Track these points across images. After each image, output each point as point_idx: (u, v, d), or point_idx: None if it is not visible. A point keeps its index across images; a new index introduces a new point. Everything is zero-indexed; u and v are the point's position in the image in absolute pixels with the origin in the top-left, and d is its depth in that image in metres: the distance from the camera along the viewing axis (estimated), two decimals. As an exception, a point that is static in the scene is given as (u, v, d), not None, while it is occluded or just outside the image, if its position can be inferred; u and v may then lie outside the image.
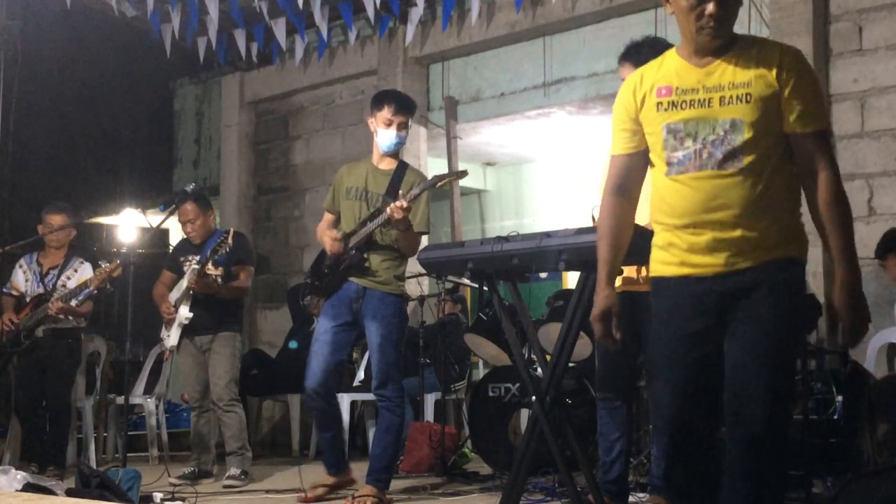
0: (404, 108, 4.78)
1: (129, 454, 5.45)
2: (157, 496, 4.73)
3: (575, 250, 3.50)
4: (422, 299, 6.59)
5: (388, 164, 4.86)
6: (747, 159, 2.53)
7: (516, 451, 3.95)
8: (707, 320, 2.59)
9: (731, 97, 2.54)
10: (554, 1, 6.94)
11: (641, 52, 4.04)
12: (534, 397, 3.77)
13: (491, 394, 5.78)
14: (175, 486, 5.23)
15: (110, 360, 7.28)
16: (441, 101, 7.87)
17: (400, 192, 4.69)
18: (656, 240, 2.71)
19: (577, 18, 6.98)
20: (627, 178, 2.75)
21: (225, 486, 5.45)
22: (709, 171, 2.55)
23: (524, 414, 5.57)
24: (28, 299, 6.03)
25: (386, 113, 4.74)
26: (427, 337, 6.42)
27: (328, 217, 5.00)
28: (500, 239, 3.74)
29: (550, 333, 5.18)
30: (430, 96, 8.02)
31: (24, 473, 4.36)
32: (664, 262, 2.67)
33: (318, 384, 4.74)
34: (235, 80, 8.97)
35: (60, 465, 5.88)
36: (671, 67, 2.65)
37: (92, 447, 6.68)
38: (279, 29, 8.03)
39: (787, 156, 2.59)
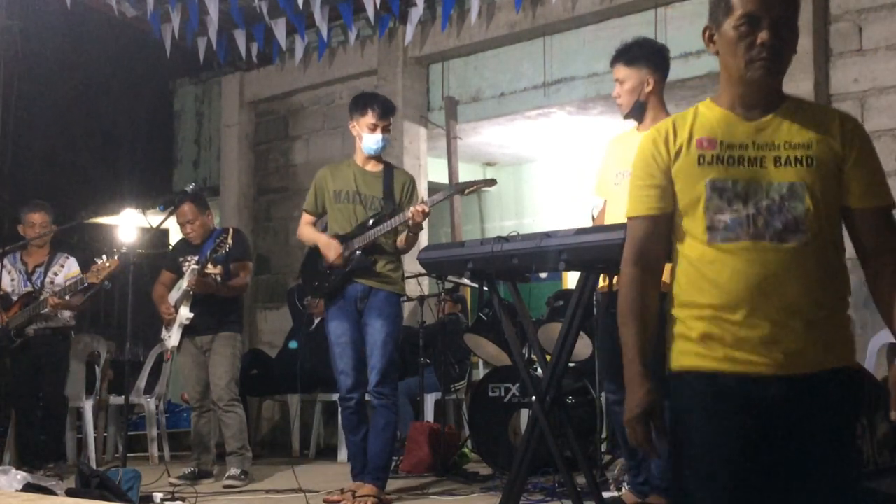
0: (388, 111, 4.87)
1: (129, 454, 5.46)
2: (157, 496, 4.73)
3: (575, 250, 3.50)
4: (422, 299, 6.59)
5: (375, 166, 4.92)
6: (812, 232, 2.12)
7: (516, 451, 3.95)
8: (760, 422, 2.12)
9: (788, 158, 2.15)
10: (554, 1, 6.94)
11: (632, 51, 4.06)
12: (534, 397, 3.77)
13: (491, 394, 5.78)
14: (175, 486, 5.24)
15: (110, 360, 7.28)
16: (441, 101, 7.87)
17: (398, 193, 4.72)
18: (681, 329, 2.20)
19: (577, 18, 6.98)
20: (651, 246, 2.26)
21: (225, 486, 5.45)
22: (767, 244, 2.11)
23: (524, 414, 5.57)
24: (15, 298, 6.03)
25: (370, 118, 4.82)
26: (427, 337, 6.42)
27: (309, 218, 5.03)
28: (500, 239, 3.75)
29: (550, 333, 5.19)
30: (430, 96, 8.02)
31: (24, 473, 4.37)
32: (700, 354, 2.16)
33: (353, 384, 4.81)
34: (235, 80, 8.97)
35: (60, 461, 5.89)
36: (710, 118, 2.24)
37: (92, 447, 6.68)
38: (279, 29, 8.03)
39: (840, 234, 2.21)
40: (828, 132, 2.18)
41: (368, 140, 4.84)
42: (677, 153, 2.22)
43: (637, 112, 4.06)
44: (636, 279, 2.26)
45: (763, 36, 2.13)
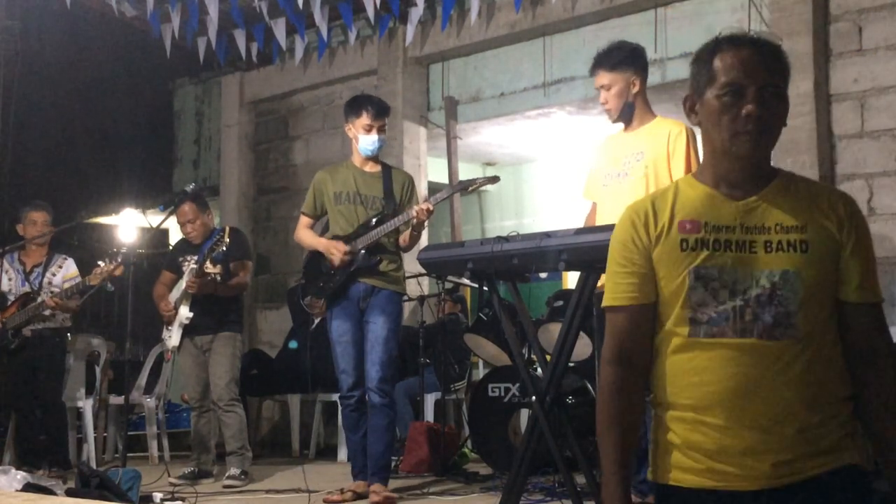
0: (382, 112, 4.90)
1: (129, 454, 5.46)
2: (157, 496, 4.73)
3: (575, 250, 3.50)
4: (422, 299, 6.59)
5: (373, 167, 4.96)
6: (805, 327, 1.89)
7: (516, 451, 3.95)
8: None
9: (780, 243, 1.92)
10: (554, 1, 6.94)
11: (613, 55, 4.08)
12: (534, 397, 3.77)
13: (491, 394, 5.78)
14: (175, 486, 5.23)
15: (110, 360, 7.28)
16: (441, 101, 7.87)
17: (399, 193, 4.75)
18: (664, 435, 1.99)
19: (577, 18, 6.98)
20: (634, 340, 2.02)
21: (225, 486, 5.45)
22: (754, 340, 1.89)
23: (524, 414, 5.57)
24: (12, 298, 6.03)
25: (365, 119, 4.86)
26: (427, 337, 6.42)
27: (307, 221, 5.07)
28: (500, 239, 3.74)
29: (550, 333, 5.18)
30: (430, 96, 8.03)
31: (24, 473, 4.37)
32: (681, 467, 1.95)
33: (354, 382, 4.83)
34: (235, 80, 8.97)
35: (64, 464, 5.89)
36: (693, 197, 2.01)
37: (92, 447, 6.68)
38: (279, 29, 8.03)
39: (837, 328, 1.98)
40: (824, 214, 1.95)
41: (364, 141, 4.87)
42: (658, 237, 1.99)
43: (626, 114, 4.09)
44: (617, 380, 2.01)
45: (749, 108, 1.91)
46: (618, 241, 2.06)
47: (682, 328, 1.94)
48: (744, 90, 1.93)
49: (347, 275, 4.80)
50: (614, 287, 2.05)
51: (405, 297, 5.14)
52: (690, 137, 3.99)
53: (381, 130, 4.89)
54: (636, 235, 2.02)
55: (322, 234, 5.08)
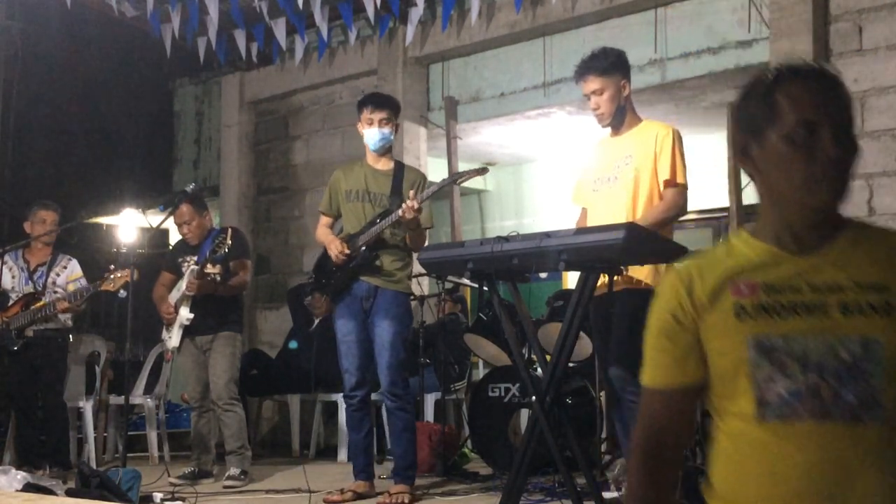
0: (381, 104, 4.89)
1: (129, 454, 5.46)
2: (157, 496, 4.73)
3: (575, 250, 3.50)
4: (422, 299, 6.59)
5: (386, 165, 4.93)
6: (891, 406, 1.59)
7: (516, 451, 3.95)
8: None
9: (859, 304, 1.61)
10: (554, 1, 6.94)
11: (601, 60, 4.07)
12: (534, 397, 3.77)
13: (491, 394, 5.78)
14: (175, 486, 5.23)
15: (110, 360, 7.28)
16: (441, 101, 7.87)
17: (410, 192, 4.75)
18: None
19: (577, 18, 6.98)
20: (669, 427, 1.75)
21: (225, 486, 5.45)
22: (836, 424, 1.58)
23: (524, 414, 5.57)
24: (15, 297, 6.02)
25: (366, 113, 4.88)
26: (427, 337, 6.42)
27: (325, 220, 5.06)
28: (500, 239, 3.74)
29: (550, 333, 5.19)
30: (430, 96, 8.02)
31: (24, 473, 4.37)
32: None
33: (357, 382, 4.83)
34: (235, 80, 8.97)
35: (65, 464, 5.89)
36: (749, 255, 1.71)
37: (92, 447, 6.68)
38: (279, 29, 8.03)
39: None
40: None
41: (367, 135, 4.88)
42: (706, 304, 1.69)
43: (618, 118, 4.10)
44: (647, 473, 1.75)
45: (828, 150, 1.60)
46: (658, 309, 1.76)
47: (745, 410, 1.64)
48: (818, 129, 1.62)
49: (348, 272, 4.80)
50: (652, 364, 1.77)
51: (412, 297, 5.14)
52: (677, 138, 3.99)
53: (383, 123, 4.86)
54: (678, 305, 1.72)
55: (338, 232, 5.09)
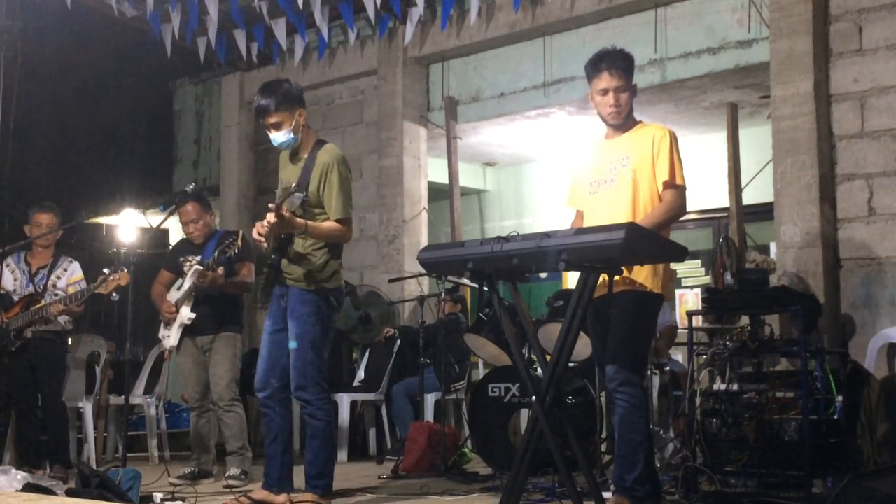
0: (260, 112, 4.48)
1: (129, 454, 5.46)
2: (157, 496, 4.73)
3: (575, 250, 3.49)
4: (422, 299, 6.59)
5: (305, 151, 4.63)
6: None
7: (516, 451, 3.95)
8: None
9: None
10: (554, 1, 6.94)
11: (618, 59, 4.06)
12: (534, 397, 3.76)
13: (491, 394, 5.78)
14: (175, 486, 5.23)
15: (110, 361, 7.28)
16: (441, 101, 7.87)
17: (316, 178, 4.50)
18: None
19: (577, 18, 6.99)
20: None
21: (225, 486, 5.44)
22: None
23: (524, 414, 5.57)
24: (16, 298, 6.02)
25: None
26: (427, 337, 6.42)
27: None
28: (500, 239, 3.74)
29: (550, 333, 5.19)
30: (430, 96, 8.03)
31: (24, 473, 4.37)
32: None
33: (260, 384, 4.58)
34: (235, 80, 8.97)
35: (65, 464, 5.89)
36: None
37: (92, 447, 6.68)
38: (279, 29, 8.03)
39: None
40: None
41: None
42: None
43: (626, 118, 4.07)
44: None
45: None
46: None
47: None
48: None
49: (271, 271, 4.52)
50: None
51: (333, 296, 4.60)
52: (674, 140, 3.98)
53: (274, 127, 4.48)
54: None
55: None
